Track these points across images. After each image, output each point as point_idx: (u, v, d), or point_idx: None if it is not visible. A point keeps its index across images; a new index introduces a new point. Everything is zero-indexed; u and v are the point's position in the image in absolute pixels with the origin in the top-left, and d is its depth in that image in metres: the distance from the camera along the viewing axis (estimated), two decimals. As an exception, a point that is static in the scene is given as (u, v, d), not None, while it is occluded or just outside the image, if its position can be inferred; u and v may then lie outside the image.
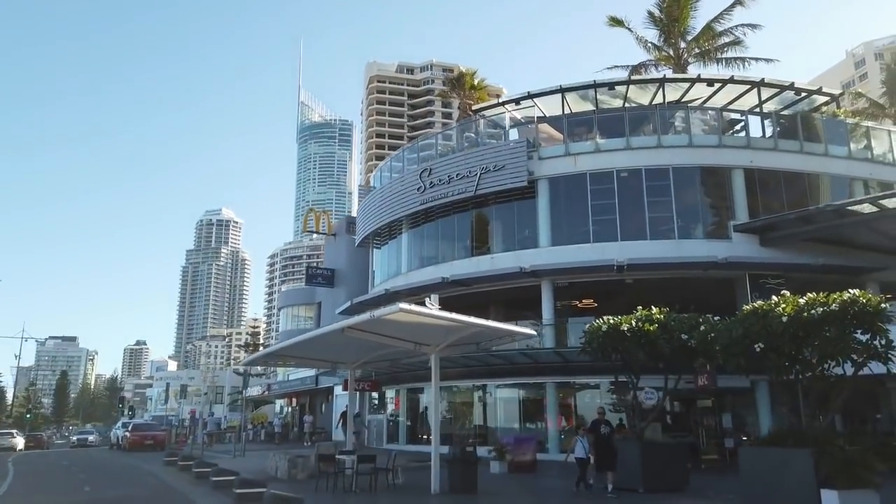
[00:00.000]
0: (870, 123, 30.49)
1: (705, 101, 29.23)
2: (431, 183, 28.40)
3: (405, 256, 30.92)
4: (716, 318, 14.08)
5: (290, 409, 47.64)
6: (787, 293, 12.52)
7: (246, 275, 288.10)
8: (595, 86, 27.62)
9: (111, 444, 41.55)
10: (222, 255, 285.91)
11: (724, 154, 25.86)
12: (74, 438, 57.29)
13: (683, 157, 25.71)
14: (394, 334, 14.48)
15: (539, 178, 26.63)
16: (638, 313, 15.35)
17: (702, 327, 14.23)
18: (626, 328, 14.54)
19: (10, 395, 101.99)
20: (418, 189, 28.88)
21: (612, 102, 29.52)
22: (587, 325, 15.41)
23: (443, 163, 28.72)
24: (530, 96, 28.35)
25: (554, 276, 25.38)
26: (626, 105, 28.75)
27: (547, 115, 29.69)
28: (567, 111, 29.01)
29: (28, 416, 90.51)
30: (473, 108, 29.62)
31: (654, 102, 28.48)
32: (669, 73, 32.83)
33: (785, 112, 29.40)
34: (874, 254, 23.97)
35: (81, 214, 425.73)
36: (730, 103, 28.97)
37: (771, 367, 12.23)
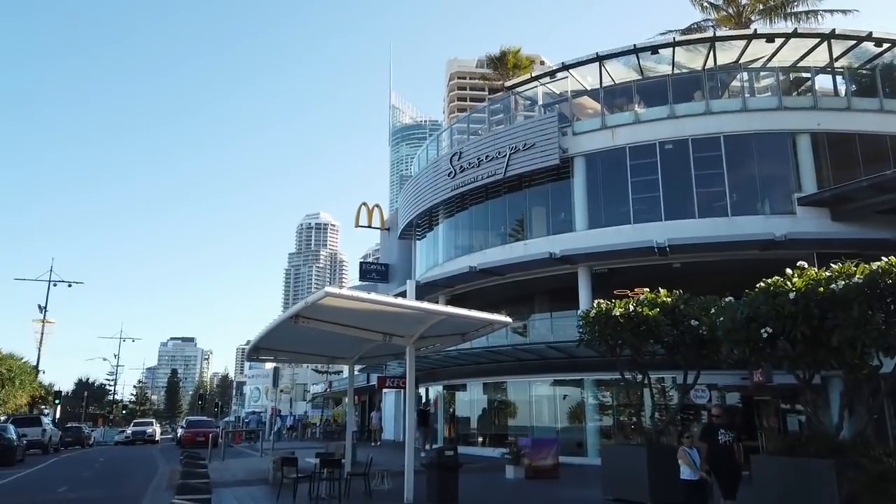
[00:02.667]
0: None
1: (767, 62, 25.77)
2: (461, 167, 26.73)
3: (441, 246, 29.45)
4: (727, 299, 11.62)
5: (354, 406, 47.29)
6: (804, 264, 10.03)
7: (344, 275, 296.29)
8: (636, 50, 24.91)
9: (175, 439, 42.78)
10: (321, 257, 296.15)
11: (786, 117, 22.53)
12: (129, 431, 49.11)
13: (736, 123, 22.63)
14: (356, 324, 13.04)
15: (574, 155, 24.34)
16: (643, 296, 13.10)
17: (712, 310, 11.85)
18: (618, 313, 12.34)
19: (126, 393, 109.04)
20: (449, 174, 27.30)
21: (660, 69, 26.62)
22: (578, 312, 13.28)
23: (472, 145, 26.98)
24: (565, 67, 26.03)
25: (589, 262, 23.06)
26: (674, 71, 25.80)
27: (588, 89, 27.26)
28: (609, 82, 26.45)
29: (138, 411, 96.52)
30: (506, 84, 27.63)
31: (706, 67, 25.39)
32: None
33: (863, 71, 25.40)
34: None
35: (200, 222, 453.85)
36: (796, 62, 25.39)
37: (783, 356, 9.78)
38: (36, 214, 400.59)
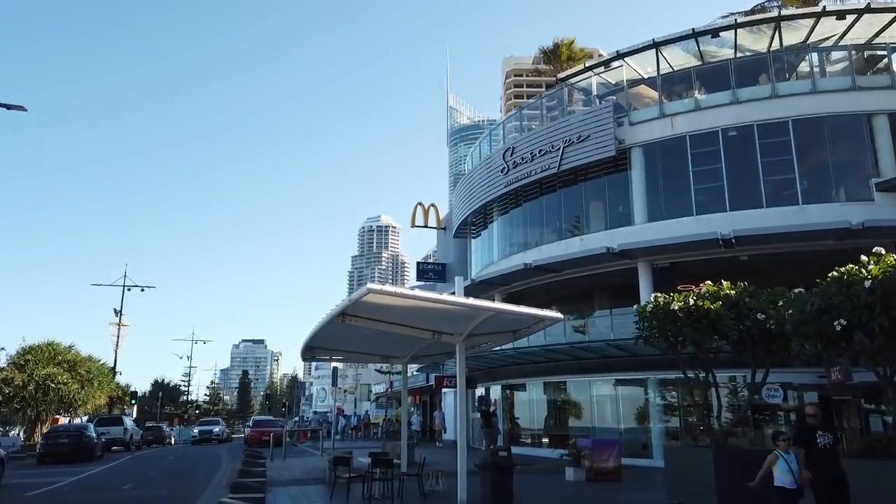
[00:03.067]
0: None
1: (838, 41, 24.21)
2: (514, 163, 26.26)
3: (496, 244, 29.06)
4: (797, 290, 10.79)
5: (413, 406, 47.32)
6: (881, 250, 9.19)
7: (405, 277, 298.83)
8: (695, 35, 23.86)
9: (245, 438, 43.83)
10: (383, 259, 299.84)
11: (861, 98, 21.08)
12: (195, 431, 48.06)
13: (806, 106, 21.32)
14: (403, 322, 12.85)
15: (631, 146, 23.52)
16: (704, 289, 12.38)
17: (780, 302, 11.05)
18: (677, 307, 11.66)
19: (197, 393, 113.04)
20: (502, 170, 26.87)
21: (721, 53, 25.44)
22: (635, 307, 12.65)
23: (525, 140, 26.46)
24: (620, 56, 25.20)
25: (650, 256, 22.20)
26: (737, 55, 24.57)
27: (645, 77, 26.32)
28: (667, 69, 25.44)
29: (211, 411, 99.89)
30: (559, 76, 26.97)
31: (771, 49, 24.08)
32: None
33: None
34: None
35: (264, 227, 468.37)
36: (870, 40, 23.75)
37: (860, 351, 8.98)
38: (111, 216, 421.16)
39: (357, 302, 10.94)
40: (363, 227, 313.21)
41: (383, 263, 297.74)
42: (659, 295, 12.21)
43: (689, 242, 20.74)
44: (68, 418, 46.21)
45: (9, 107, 22.53)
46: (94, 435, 29.85)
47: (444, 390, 34.76)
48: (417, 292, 10.52)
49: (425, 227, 42.18)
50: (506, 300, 27.05)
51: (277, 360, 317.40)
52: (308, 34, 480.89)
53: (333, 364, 32.41)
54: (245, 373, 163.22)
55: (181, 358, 75.13)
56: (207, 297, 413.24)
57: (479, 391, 29.53)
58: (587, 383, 23.49)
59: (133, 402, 47.71)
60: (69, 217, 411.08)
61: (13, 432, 42.05)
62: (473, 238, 32.53)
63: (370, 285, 10.10)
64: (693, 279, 24.60)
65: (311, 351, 16.77)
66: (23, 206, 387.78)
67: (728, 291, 12.12)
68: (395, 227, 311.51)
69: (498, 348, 25.58)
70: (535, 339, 24.80)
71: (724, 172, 21.70)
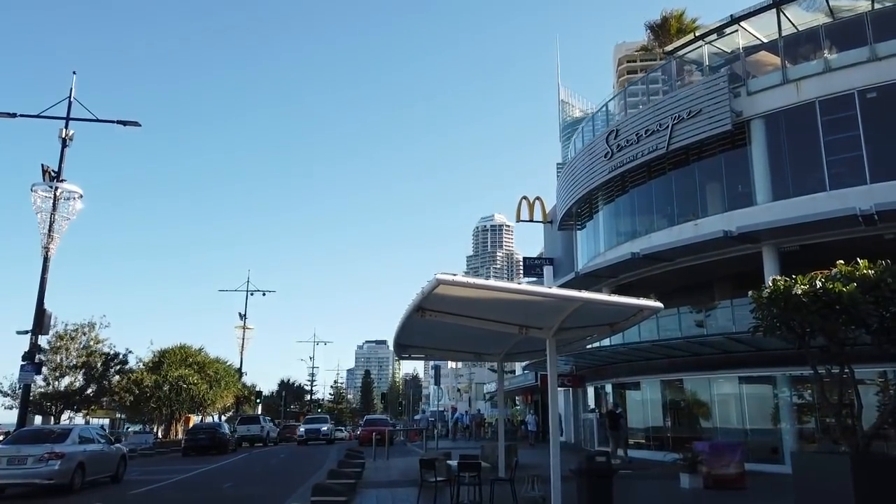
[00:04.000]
0: None
1: None
2: (619, 146, 24.53)
3: (602, 234, 27.36)
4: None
5: (525, 406, 46.19)
6: None
7: (520, 274, 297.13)
8: (822, -13, 21.13)
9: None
10: (498, 258, 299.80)
11: None
12: (301, 430, 42.92)
13: (964, 55, 18.17)
14: (485, 315, 11.92)
15: (749, 118, 21.18)
16: (835, 270, 10.51)
17: (933, 282, 9.10)
18: (800, 292, 9.89)
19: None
20: (606, 155, 25.21)
21: (856, 7, 22.38)
22: (750, 293, 10.93)
23: (629, 120, 24.66)
24: (734, 20, 22.77)
25: (775, 239, 19.85)
26: (874, 7, 21.49)
27: (764, 41, 23.69)
28: (790, 30, 22.73)
29: (335, 409, 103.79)
30: (666, 49, 24.83)
31: (918, -7, 20.84)
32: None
33: None
34: None
35: (381, 229, 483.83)
36: None
37: None
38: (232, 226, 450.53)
39: (430, 295, 10.16)
40: (477, 227, 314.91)
41: (498, 262, 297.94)
42: (779, 278, 10.48)
43: (822, 221, 18.25)
44: (200, 417, 49.35)
45: (125, 123, 23.92)
46: (227, 431, 35.17)
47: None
48: (493, 282, 9.57)
49: (531, 221, 40.95)
50: (614, 293, 25.38)
51: (399, 361, 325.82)
52: (427, 40, 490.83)
53: (433, 363, 32.01)
54: (367, 372, 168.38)
55: (302, 360, 78.34)
56: (332, 301, 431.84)
57: (590, 391, 27.97)
58: (707, 381, 21.41)
59: (258, 401, 50.05)
60: (200, 229, 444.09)
61: (150, 430, 45.17)
62: (579, 230, 30.96)
63: (439, 276, 9.27)
64: (828, 265, 21.94)
65: (404, 349, 16.21)
66: (156, 219, 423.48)
67: (865, 271, 10.18)
68: (508, 226, 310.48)
69: (607, 344, 24.06)
70: (648, 335, 23.07)
71: (862, 140, 18.94)
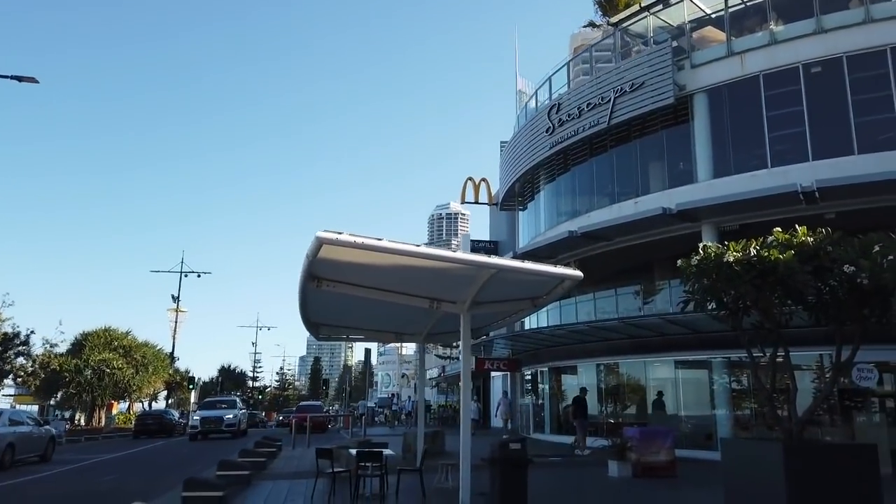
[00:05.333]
0: None
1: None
2: (560, 120, 23.45)
3: (544, 214, 26.34)
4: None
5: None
6: None
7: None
8: (769, -42, 20.30)
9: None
10: (453, 245, 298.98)
11: (981, 14, 17.17)
12: (196, 418, 30.84)
13: (909, 29, 17.58)
14: (390, 287, 10.63)
15: (693, 91, 20.34)
16: (771, 238, 9.51)
17: (875, 248, 8.15)
18: (733, 259, 8.84)
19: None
20: (547, 130, 24.11)
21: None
22: (679, 261, 9.87)
23: (572, 94, 23.59)
24: (680, -10, 21.89)
25: (715, 217, 19.10)
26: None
27: (711, 15, 22.86)
28: (737, 4, 21.93)
29: (281, 397, 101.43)
30: (611, 21, 23.90)
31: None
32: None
33: None
34: None
35: (334, 216, 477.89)
36: None
37: None
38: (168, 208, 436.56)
39: (316, 259, 8.76)
40: (433, 215, 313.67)
41: (453, 249, 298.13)
42: (710, 245, 9.43)
43: (762, 198, 17.53)
44: (127, 404, 46.88)
45: (20, 79, 21.69)
46: (174, 417, 36.66)
47: (492, 374, 32.41)
48: (387, 242, 8.18)
49: (476, 203, 39.76)
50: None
51: (352, 348, 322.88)
52: (388, 37, 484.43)
53: (366, 346, 30.65)
54: (317, 359, 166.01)
55: (253, 345, 76.03)
56: (279, 286, 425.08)
57: (527, 375, 27.01)
58: (643, 365, 20.61)
59: (191, 387, 47.69)
60: (128, 209, 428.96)
61: (64, 416, 42.42)
62: (521, 210, 29.91)
63: (321, 234, 7.86)
64: (768, 244, 21.25)
65: (315, 328, 14.80)
66: (81, 198, 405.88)
67: (804, 239, 9.20)
68: (464, 214, 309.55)
69: (545, 325, 23.09)
70: (585, 317, 22.18)
71: (805, 116, 18.25)
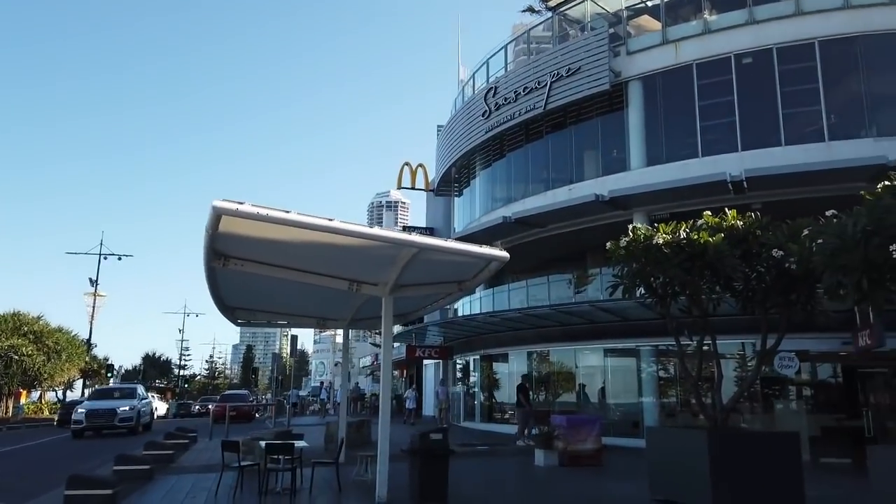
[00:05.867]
0: None
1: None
2: (496, 104, 23.02)
3: (479, 200, 25.94)
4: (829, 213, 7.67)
5: (401, 381, 44.69)
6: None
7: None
8: (705, -52, 20.33)
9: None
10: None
11: (903, 12, 17.60)
12: (80, 412, 24.33)
13: (836, 24, 17.88)
14: (306, 266, 9.88)
15: (628, 78, 20.24)
16: (700, 221, 9.28)
17: (804, 232, 7.97)
18: (662, 241, 8.56)
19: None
20: (483, 115, 23.63)
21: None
22: (608, 244, 9.54)
23: (508, 78, 23.18)
24: (618, -24, 21.73)
25: (646, 205, 19.07)
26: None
27: (648, 4, 22.81)
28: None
29: (210, 385, 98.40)
30: (549, 4, 23.66)
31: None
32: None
33: None
34: None
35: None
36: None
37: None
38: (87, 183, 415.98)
39: (217, 234, 7.92)
40: (372, 203, 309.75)
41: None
42: (639, 226, 9.12)
43: (692, 186, 17.57)
44: (39, 392, 44.13)
45: None
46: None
47: (425, 362, 31.92)
48: (293, 215, 7.42)
49: (412, 188, 39.03)
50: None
51: (286, 335, 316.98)
52: (328, 26, 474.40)
53: (293, 333, 29.66)
54: (249, 348, 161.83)
55: (179, 333, 73.33)
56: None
57: (459, 363, 26.64)
58: (573, 352, 20.49)
59: (109, 375, 45.26)
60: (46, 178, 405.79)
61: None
62: (457, 196, 29.43)
63: (217, 203, 7.03)
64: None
65: (230, 311, 13.85)
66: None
67: (733, 222, 9.00)
68: (405, 202, 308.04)
69: (479, 314, 22.68)
70: (517, 303, 21.90)
71: (736, 106, 18.40)
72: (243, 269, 9.58)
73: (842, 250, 6.38)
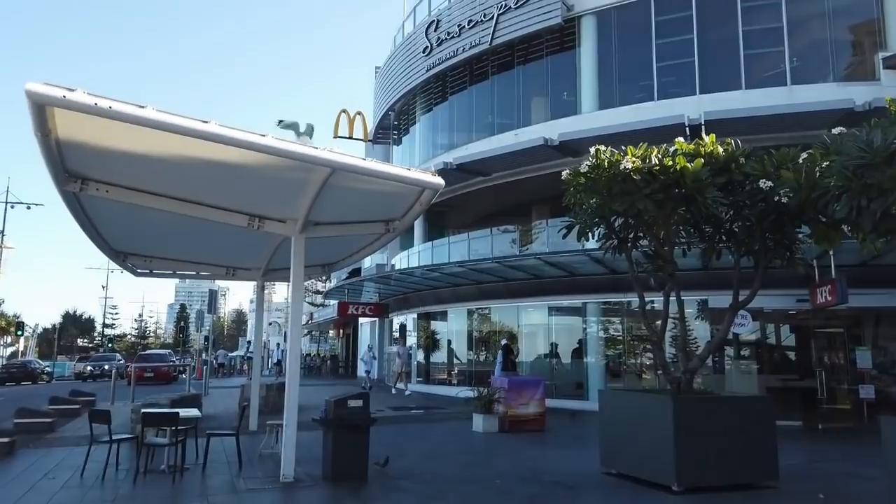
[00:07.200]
0: None
1: None
2: (439, 39, 21.03)
3: (419, 147, 24.09)
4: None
5: (338, 341, 43.00)
6: None
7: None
8: None
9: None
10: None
11: (872, -51, 16.47)
12: None
13: (804, -41, 16.63)
14: (197, 197, 7.95)
15: (581, 13, 18.60)
16: (675, 147, 7.80)
17: (801, 157, 6.59)
18: (631, 167, 7.01)
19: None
20: (424, 51, 21.62)
21: None
22: (564, 173, 7.98)
23: (452, 8, 21.16)
24: None
25: (598, 152, 17.60)
26: None
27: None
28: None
29: (139, 345, 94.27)
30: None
31: None
32: None
33: None
34: None
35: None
36: None
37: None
38: None
39: (54, 141, 5.87)
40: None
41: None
42: (603, 148, 7.56)
43: (647, 129, 16.13)
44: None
45: None
46: (39, 365, 37.82)
47: (360, 321, 30.21)
48: (151, 112, 5.46)
49: (350, 138, 36.65)
50: (429, 217, 22.35)
51: (224, 296, 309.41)
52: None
53: (211, 288, 27.40)
54: (182, 307, 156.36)
55: (102, 288, 69.22)
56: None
57: (396, 323, 25.05)
58: (516, 310, 19.17)
59: (19, 333, 41.85)
60: None
61: None
62: (396, 145, 27.43)
63: (32, 86, 4.97)
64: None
65: (122, 258, 11.76)
66: None
67: (713, 148, 7.55)
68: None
69: (417, 268, 21.00)
70: (458, 258, 20.34)
71: (695, 45, 17.04)
72: (109, 196, 7.56)
73: (869, 167, 4.96)
